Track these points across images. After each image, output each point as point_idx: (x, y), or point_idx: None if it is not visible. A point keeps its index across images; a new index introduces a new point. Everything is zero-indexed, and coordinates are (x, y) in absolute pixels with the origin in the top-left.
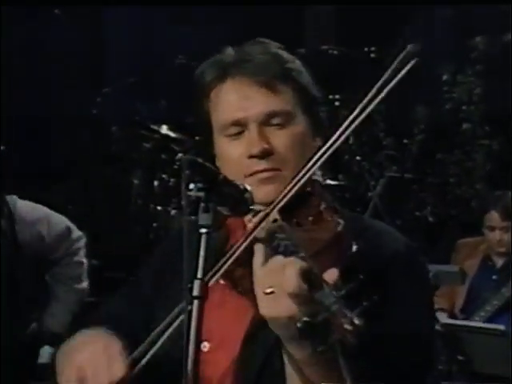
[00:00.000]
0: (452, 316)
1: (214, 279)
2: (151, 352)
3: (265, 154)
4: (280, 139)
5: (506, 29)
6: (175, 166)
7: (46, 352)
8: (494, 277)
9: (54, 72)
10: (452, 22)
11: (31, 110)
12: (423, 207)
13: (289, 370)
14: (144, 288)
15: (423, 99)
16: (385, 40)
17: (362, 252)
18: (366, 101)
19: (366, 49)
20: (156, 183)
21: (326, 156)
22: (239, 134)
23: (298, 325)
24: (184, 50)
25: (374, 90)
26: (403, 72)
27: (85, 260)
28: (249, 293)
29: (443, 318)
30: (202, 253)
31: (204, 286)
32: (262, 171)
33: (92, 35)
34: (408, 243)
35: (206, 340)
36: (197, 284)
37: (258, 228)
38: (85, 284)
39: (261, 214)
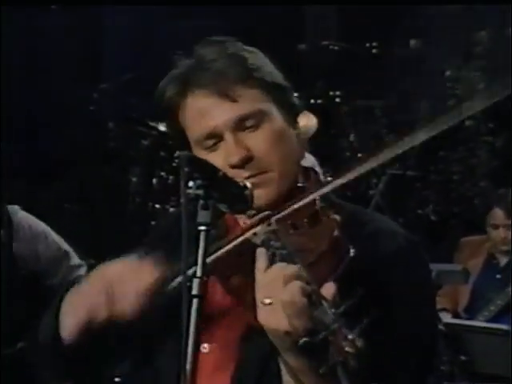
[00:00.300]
0: (455, 316)
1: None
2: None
3: (245, 162)
4: (258, 141)
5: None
6: (174, 164)
7: None
8: (497, 276)
9: (51, 67)
10: (455, 16)
11: (27, 106)
12: (426, 205)
13: (286, 377)
14: None
15: (426, 95)
16: (386, 35)
17: (359, 257)
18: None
19: (367, 44)
20: (155, 181)
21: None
22: (216, 144)
23: (299, 343)
24: (183, 46)
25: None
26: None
27: None
28: (246, 301)
29: (446, 317)
30: (201, 251)
31: (203, 285)
32: (246, 178)
33: (89, 30)
34: (408, 238)
35: (205, 341)
36: (196, 282)
37: (249, 233)
38: None
39: (256, 218)
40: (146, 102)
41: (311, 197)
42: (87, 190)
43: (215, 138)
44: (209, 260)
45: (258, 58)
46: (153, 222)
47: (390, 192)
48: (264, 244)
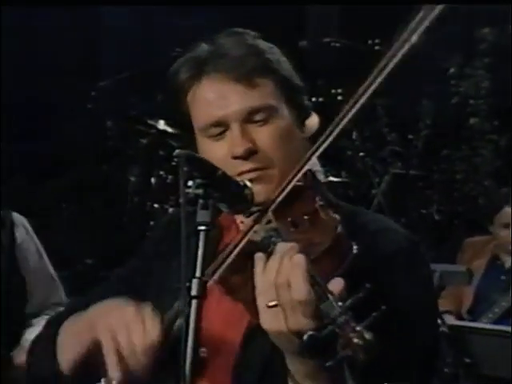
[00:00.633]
0: (459, 318)
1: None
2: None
3: (249, 154)
4: (264, 136)
5: None
6: (173, 163)
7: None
8: (502, 277)
9: (49, 65)
10: (459, 13)
11: (26, 106)
12: (429, 205)
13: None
14: (133, 277)
15: (429, 93)
16: (389, 32)
17: (362, 254)
18: (360, 91)
19: (369, 41)
20: (153, 180)
21: (320, 151)
22: (221, 134)
23: (304, 338)
24: (182, 43)
25: (368, 80)
26: (397, 58)
27: None
28: (247, 301)
29: (450, 319)
30: (200, 251)
31: (203, 286)
32: (247, 171)
33: (88, 29)
34: (409, 237)
35: (203, 345)
36: (195, 283)
37: (251, 231)
38: None
39: (254, 216)
40: (145, 100)
41: (300, 172)
42: (86, 189)
43: (221, 126)
44: (221, 270)
45: (275, 53)
46: (151, 222)
47: (392, 191)
48: (265, 241)
